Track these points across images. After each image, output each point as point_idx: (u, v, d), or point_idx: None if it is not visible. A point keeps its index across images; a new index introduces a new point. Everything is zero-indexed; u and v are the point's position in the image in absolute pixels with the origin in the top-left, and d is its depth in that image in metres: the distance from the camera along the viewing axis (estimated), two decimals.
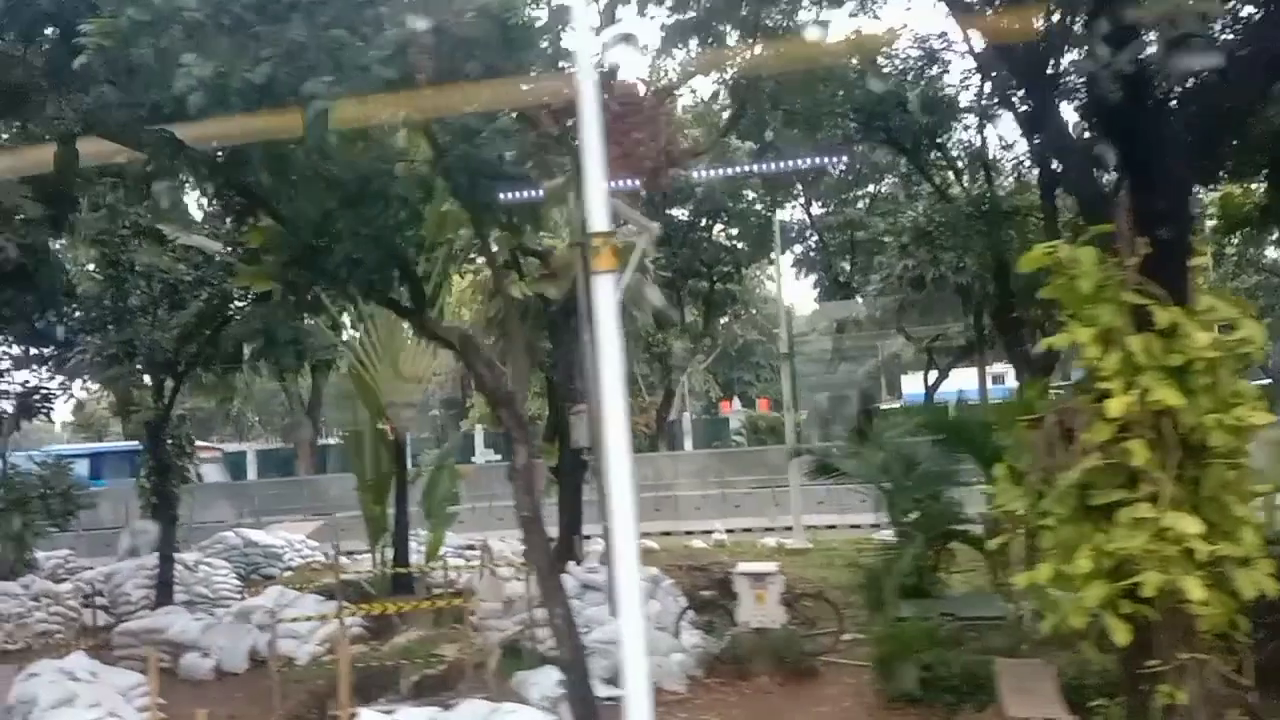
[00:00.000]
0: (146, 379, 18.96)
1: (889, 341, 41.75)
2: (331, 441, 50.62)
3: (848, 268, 39.63)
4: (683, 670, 12.19)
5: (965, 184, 18.70)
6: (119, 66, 9.16)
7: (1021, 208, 18.22)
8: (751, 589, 12.45)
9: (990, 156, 18.92)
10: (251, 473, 40.48)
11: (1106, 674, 9.54)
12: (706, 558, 19.93)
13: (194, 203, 16.44)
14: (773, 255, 32.13)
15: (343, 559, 25.58)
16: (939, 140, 19.06)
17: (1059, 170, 15.37)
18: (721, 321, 44.87)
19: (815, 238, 37.62)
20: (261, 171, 9.78)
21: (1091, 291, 7.60)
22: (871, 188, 34.82)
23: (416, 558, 18.88)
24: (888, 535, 24.86)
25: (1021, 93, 17.59)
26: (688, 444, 43.71)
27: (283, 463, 42.58)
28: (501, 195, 9.37)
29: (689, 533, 27.20)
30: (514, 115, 8.90)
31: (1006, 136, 19.28)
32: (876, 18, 18.33)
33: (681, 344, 42.81)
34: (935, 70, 18.74)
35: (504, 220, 10.09)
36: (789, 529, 25.37)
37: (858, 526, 28.25)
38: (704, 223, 33.85)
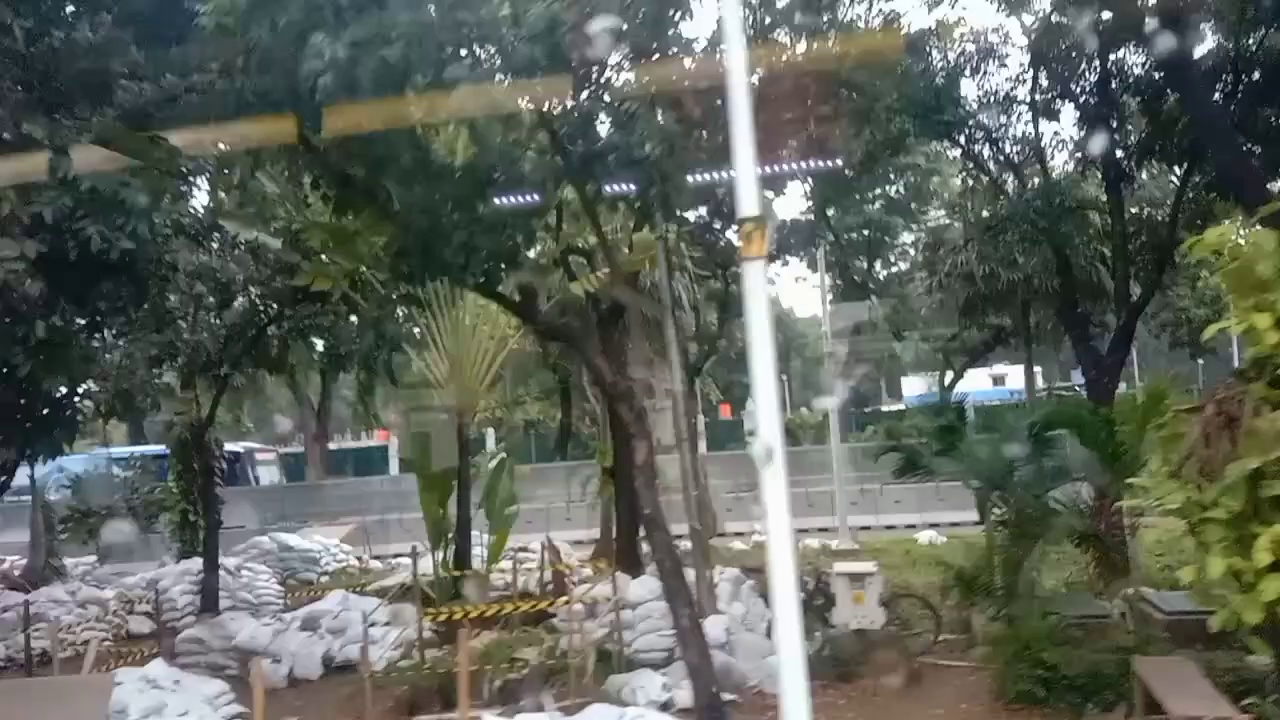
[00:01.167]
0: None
1: (898, 344, 41.61)
2: (349, 445, 50.27)
3: (864, 267, 39.55)
4: None
5: (1022, 178, 18.41)
6: (233, 49, 8.85)
7: (1084, 201, 18.01)
8: (849, 589, 12.16)
9: (1048, 150, 18.63)
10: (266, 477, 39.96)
11: (1238, 671, 9.32)
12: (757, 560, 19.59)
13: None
14: (787, 257, 31.82)
15: (374, 562, 25.38)
16: (995, 135, 18.81)
17: (1210, 155, 15.13)
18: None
19: (829, 237, 37.37)
20: (378, 160, 9.46)
21: (1273, 275, 7.34)
22: (889, 187, 34.80)
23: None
24: (930, 534, 24.89)
25: (1087, 85, 17.52)
26: (702, 446, 43.33)
27: (295, 467, 42.10)
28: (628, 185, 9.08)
29: (721, 534, 26.90)
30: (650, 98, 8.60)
31: (1063, 130, 18.79)
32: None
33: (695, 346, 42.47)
34: (992, 64, 18.53)
35: (635, 209, 9.78)
36: (824, 530, 25.12)
37: (893, 527, 28.12)
38: (718, 224, 33.54)
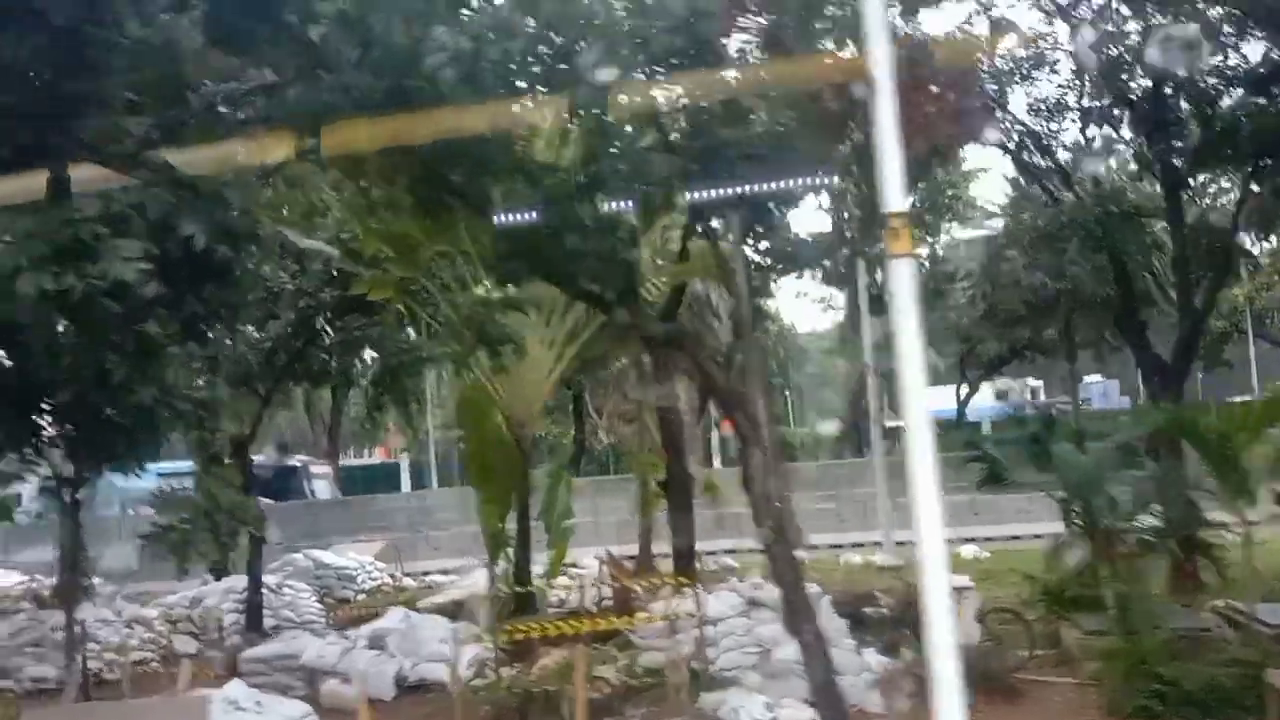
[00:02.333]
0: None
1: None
2: (353, 462, 49.74)
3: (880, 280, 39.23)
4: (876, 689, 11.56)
5: (1073, 186, 18.22)
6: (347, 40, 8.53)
7: (1141, 207, 17.84)
8: None
9: (1102, 158, 18.47)
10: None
11: None
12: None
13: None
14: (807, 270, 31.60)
15: (406, 580, 24.98)
16: (1045, 143, 18.64)
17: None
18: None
19: (846, 251, 37.19)
20: (482, 160, 9.17)
21: None
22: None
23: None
24: (973, 548, 24.58)
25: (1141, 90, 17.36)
26: (716, 461, 43.10)
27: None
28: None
29: (756, 550, 26.55)
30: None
31: (1116, 136, 18.61)
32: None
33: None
34: (1043, 72, 18.37)
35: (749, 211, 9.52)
36: (860, 544, 24.85)
37: (905, 543, 27.79)
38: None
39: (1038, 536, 23.55)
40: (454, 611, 15.68)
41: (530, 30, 7.74)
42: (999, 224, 24.16)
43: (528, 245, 9.23)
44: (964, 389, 43.18)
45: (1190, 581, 14.05)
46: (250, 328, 17.14)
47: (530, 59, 7.97)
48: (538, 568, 16.50)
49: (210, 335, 10.22)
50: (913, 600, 12.42)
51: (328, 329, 17.57)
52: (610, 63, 7.74)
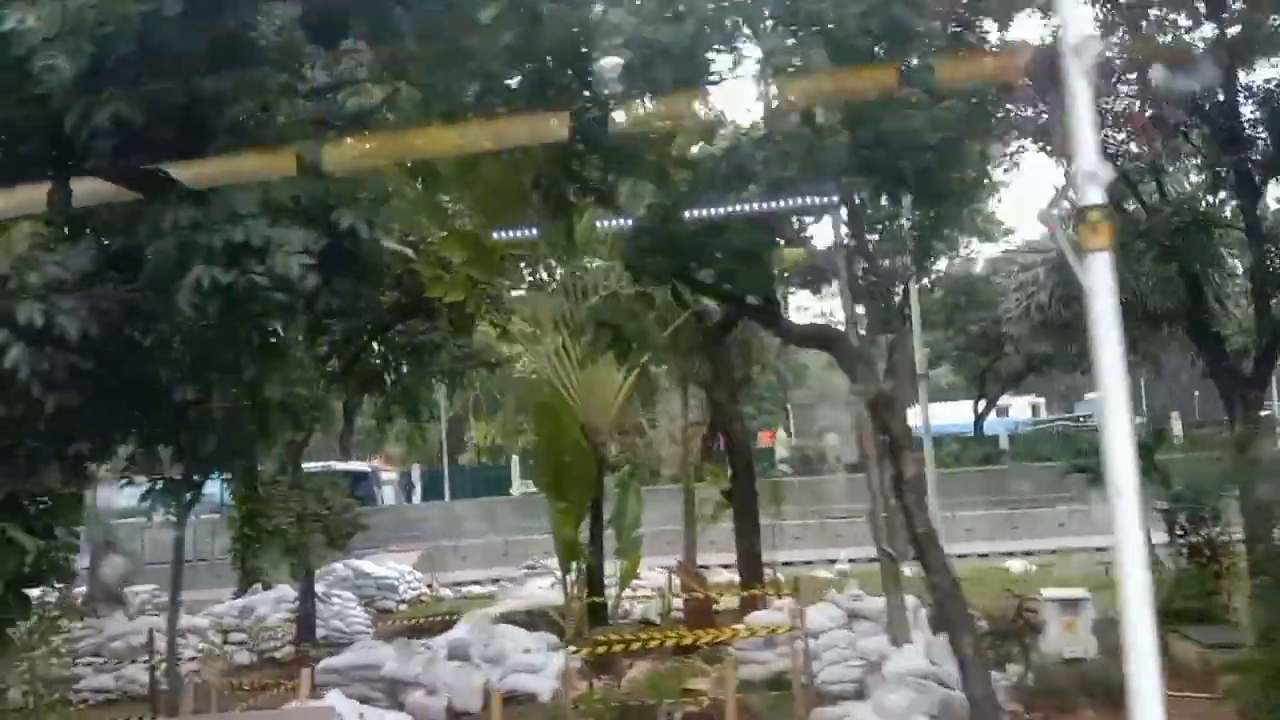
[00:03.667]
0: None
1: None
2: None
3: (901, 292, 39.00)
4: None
5: (1140, 197, 18.02)
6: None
7: (1213, 218, 17.66)
8: (1060, 617, 11.59)
9: (1173, 168, 18.30)
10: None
11: None
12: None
13: None
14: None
15: (444, 590, 24.61)
16: (1113, 152, 18.42)
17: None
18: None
19: (864, 265, 36.80)
20: (626, 155, 8.90)
21: None
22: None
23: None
24: (1021, 563, 24.34)
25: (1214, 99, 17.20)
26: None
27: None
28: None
29: (788, 563, 26.26)
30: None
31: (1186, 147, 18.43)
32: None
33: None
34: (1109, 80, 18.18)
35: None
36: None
37: (964, 555, 27.53)
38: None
39: (1079, 550, 23.45)
40: (527, 622, 15.31)
41: (710, 12, 7.48)
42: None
43: (668, 243, 8.96)
44: (981, 404, 43.13)
45: None
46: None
47: (700, 44, 7.70)
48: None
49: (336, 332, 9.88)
50: (1022, 612, 12.25)
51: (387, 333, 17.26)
52: (789, 49, 7.49)
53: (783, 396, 57.16)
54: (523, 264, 15.51)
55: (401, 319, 17.05)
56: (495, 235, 13.85)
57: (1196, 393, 41.26)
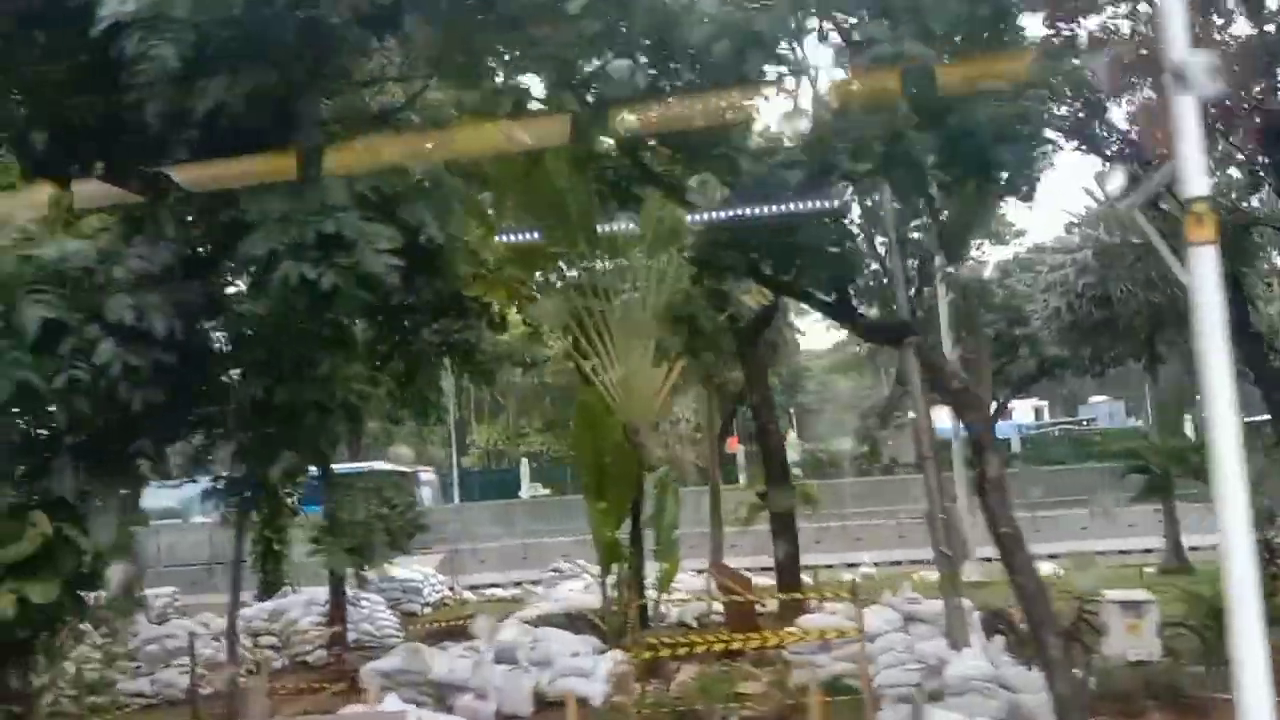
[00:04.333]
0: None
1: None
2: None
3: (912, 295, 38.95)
4: None
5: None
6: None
7: (1256, 216, 17.57)
8: (1123, 619, 11.44)
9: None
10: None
11: None
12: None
13: None
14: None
15: (466, 593, 24.42)
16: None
17: None
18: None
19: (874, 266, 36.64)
20: (699, 149, 8.75)
21: None
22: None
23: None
24: (1050, 565, 24.16)
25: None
26: (742, 478, 42.54)
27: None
28: None
29: (807, 567, 26.11)
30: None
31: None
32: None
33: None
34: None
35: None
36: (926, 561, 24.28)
37: (989, 560, 27.37)
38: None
39: (1100, 553, 23.34)
40: (566, 625, 15.11)
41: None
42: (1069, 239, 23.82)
43: (744, 236, 8.81)
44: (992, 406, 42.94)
45: None
46: None
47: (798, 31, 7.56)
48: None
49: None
50: (1081, 614, 12.09)
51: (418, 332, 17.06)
52: (891, 36, 7.33)
53: (786, 400, 57.15)
54: (562, 263, 15.31)
55: (436, 316, 16.81)
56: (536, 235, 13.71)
57: (1199, 396, 41.24)
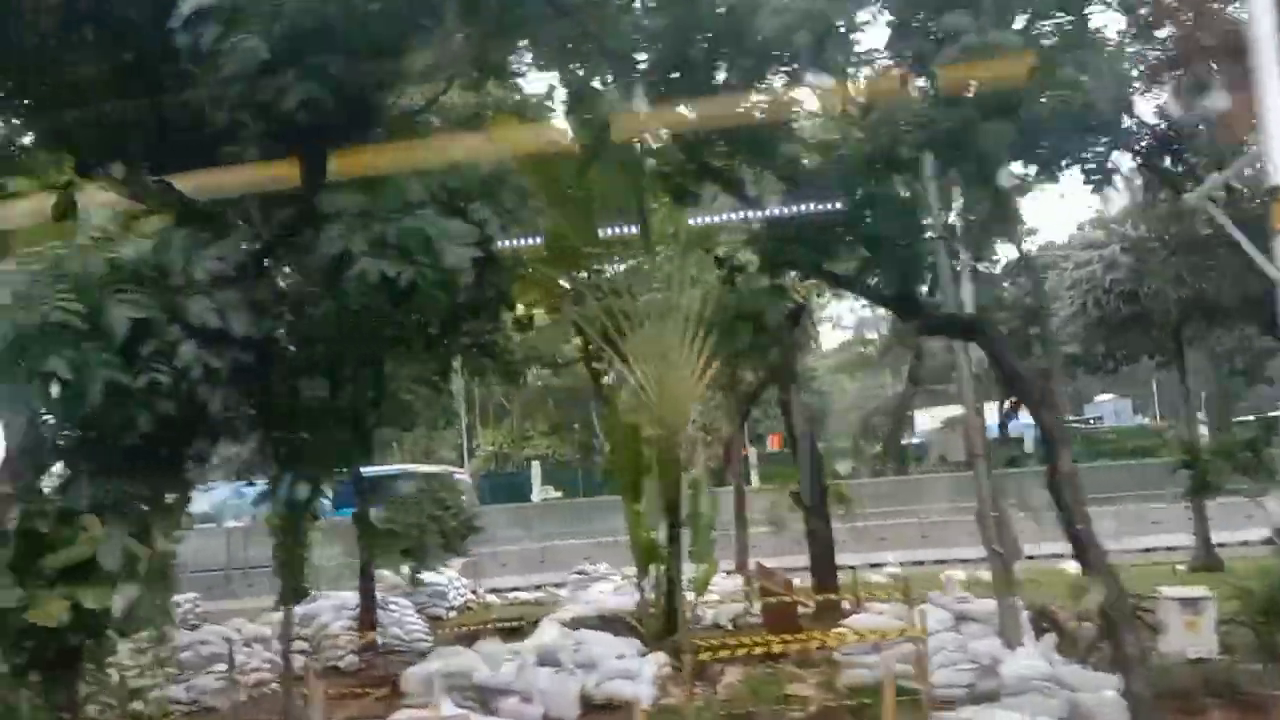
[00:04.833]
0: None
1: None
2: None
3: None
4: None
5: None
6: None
7: None
8: (1181, 615, 11.33)
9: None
10: None
11: None
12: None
13: None
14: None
15: (489, 597, 24.27)
16: (1177, 146, 18.23)
17: None
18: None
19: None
20: (758, 142, 8.63)
21: None
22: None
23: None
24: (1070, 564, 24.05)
25: None
26: (754, 479, 42.36)
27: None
28: None
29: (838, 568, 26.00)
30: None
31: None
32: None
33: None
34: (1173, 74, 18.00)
35: None
36: (965, 560, 24.21)
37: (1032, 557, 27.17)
38: None
39: (1125, 552, 23.20)
40: (603, 627, 14.97)
41: None
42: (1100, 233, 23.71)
43: (811, 231, 8.69)
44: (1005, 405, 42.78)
45: None
46: None
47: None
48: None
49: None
50: (1137, 610, 11.95)
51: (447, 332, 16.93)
52: (968, 24, 7.21)
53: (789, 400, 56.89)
54: (596, 263, 15.21)
55: (475, 314, 16.66)
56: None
57: (1204, 393, 41.09)
